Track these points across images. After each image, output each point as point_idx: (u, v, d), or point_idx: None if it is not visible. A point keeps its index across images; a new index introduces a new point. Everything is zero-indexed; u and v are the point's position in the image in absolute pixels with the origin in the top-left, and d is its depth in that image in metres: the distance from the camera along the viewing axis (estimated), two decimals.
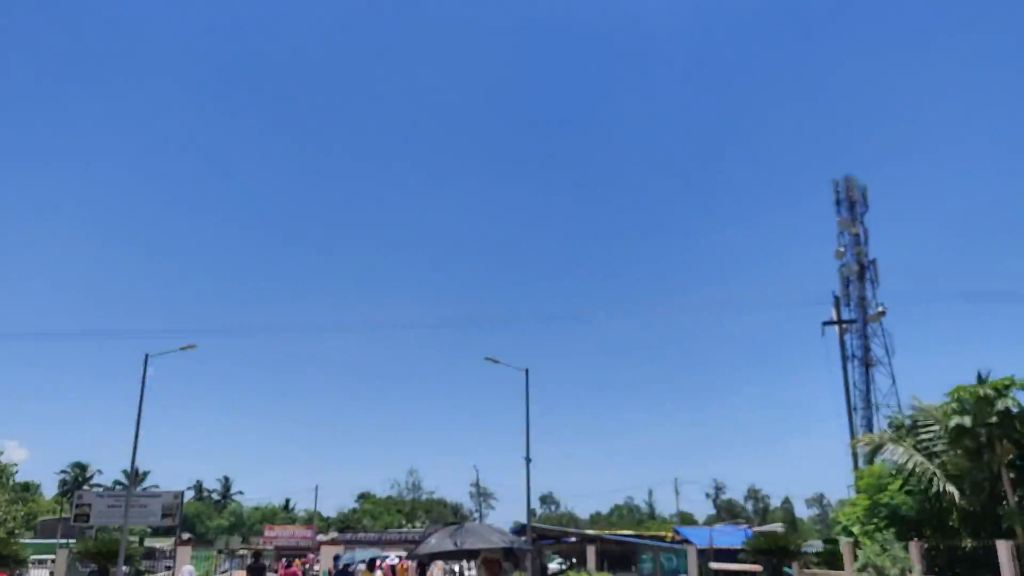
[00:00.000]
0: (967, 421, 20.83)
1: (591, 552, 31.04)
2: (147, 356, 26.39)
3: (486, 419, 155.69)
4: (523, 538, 7.08)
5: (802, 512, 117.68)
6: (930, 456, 23.93)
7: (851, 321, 49.06)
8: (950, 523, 23.94)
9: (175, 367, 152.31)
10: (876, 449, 25.27)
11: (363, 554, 18.59)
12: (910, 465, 23.56)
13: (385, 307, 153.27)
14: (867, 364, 60.11)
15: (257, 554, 25.92)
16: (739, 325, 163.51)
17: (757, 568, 29.87)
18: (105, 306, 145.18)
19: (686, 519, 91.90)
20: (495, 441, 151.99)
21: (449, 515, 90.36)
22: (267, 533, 62.11)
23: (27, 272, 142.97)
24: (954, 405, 21.46)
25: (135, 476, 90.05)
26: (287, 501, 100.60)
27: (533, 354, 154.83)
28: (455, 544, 7.04)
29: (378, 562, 18.94)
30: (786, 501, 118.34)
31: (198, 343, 30.75)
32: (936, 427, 24.23)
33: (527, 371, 29.49)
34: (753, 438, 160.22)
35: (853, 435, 43.82)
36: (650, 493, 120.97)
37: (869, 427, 60.64)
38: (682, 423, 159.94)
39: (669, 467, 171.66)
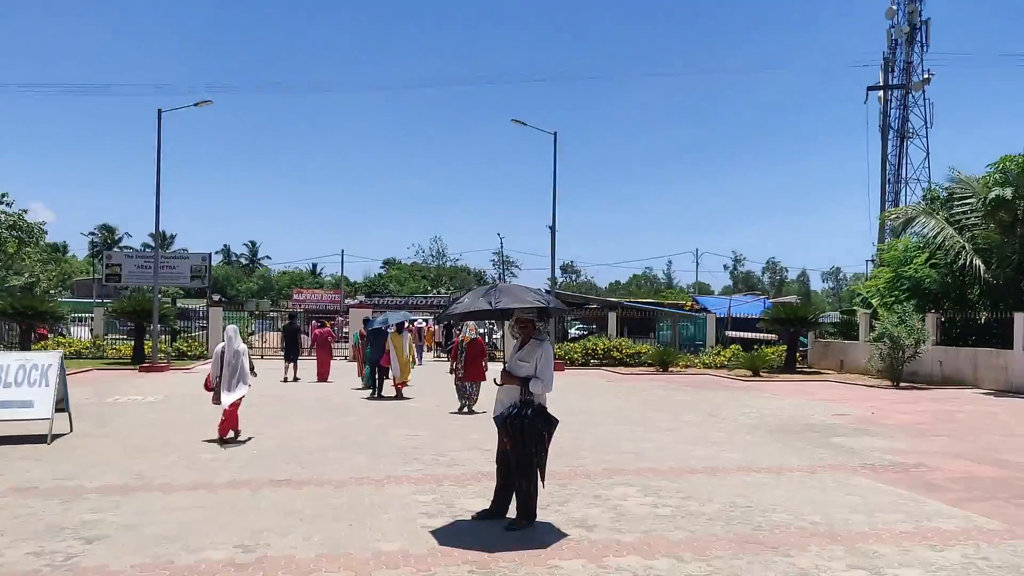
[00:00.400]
0: (1007, 193, 20.23)
1: (612, 318, 31.93)
2: (160, 112, 25.32)
3: (511, 186, 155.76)
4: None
5: (817, 285, 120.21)
6: (961, 230, 23.57)
7: (899, 86, 46.65)
8: (970, 296, 24.06)
9: (195, 127, 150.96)
10: (908, 221, 24.92)
11: (394, 316, 18.83)
12: (940, 238, 23.27)
13: (410, 66, 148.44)
14: (903, 136, 58.22)
15: (292, 316, 26.33)
16: (774, 89, 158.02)
17: (772, 337, 30.72)
18: (119, 58, 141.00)
19: (703, 290, 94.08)
20: (519, 209, 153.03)
21: (473, 282, 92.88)
22: (295, 297, 64.37)
23: (29, 23, 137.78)
24: (997, 176, 20.77)
25: (161, 237, 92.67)
26: (314, 266, 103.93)
27: (560, 120, 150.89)
28: (489, 304, 6.69)
29: (407, 324, 19.31)
30: (802, 274, 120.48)
31: (216, 100, 29.78)
32: (972, 200, 23.66)
33: (555, 134, 28.62)
34: (775, 210, 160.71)
35: (883, 209, 43.40)
36: (669, 264, 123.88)
37: (896, 202, 60.03)
38: (706, 193, 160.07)
39: (689, 238, 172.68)
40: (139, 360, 26.48)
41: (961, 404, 17.20)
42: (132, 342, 28.79)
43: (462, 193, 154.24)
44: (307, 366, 23.55)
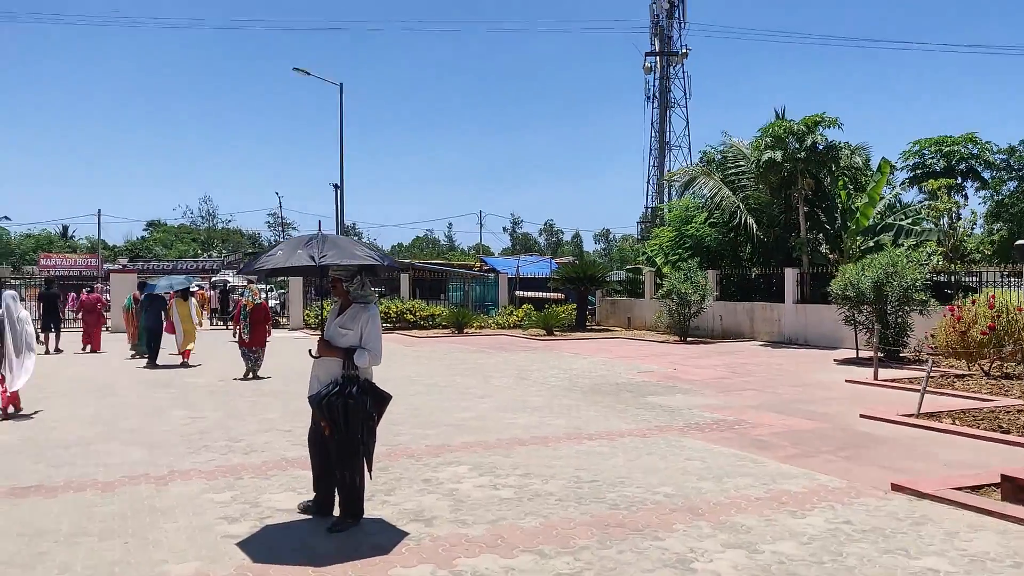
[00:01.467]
0: (778, 155, 21.43)
1: (405, 280, 30.87)
2: None
3: (288, 142, 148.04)
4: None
5: (590, 246, 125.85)
6: (735, 191, 24.90)
7: (672, 53, 49.16)
8: (741, 254, 25.59)
9: None
10: (689, 182, 25.96)
11: (177, 281, 17.33)
12: (717, 199, 24.43)
13: (173, 5, 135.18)
14: (665, 105, 62.15)
15: (49, 281, 22.93)
16: (556, 54, 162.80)
17: (560, 296, 31.18)
18: None
19: (484, 252, 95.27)
20: (295, 167, 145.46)
21: (247, 245, 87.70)
22: (43, 262, 57.10)
23: None
24: (768, 139, 21.91)
25: None
26: (65, 228, 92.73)
27: (340, 75, 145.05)
28: (312, 258, 5.41)
29: (194, 288, 17.86)
30: (576, 236, 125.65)
31: None
32: (743, 163, 25.01)
33: (341, 86, 26.85)
34: (553, 174, 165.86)
35: (662, 172, 45.67)
36: (449, 226, 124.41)
37: (661, 168, 64.10)
38: (487, 156, 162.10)
39: (470, 201, 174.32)
40: None
41: (747, 356, 18.05)
42: None
43: (235, 149, 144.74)
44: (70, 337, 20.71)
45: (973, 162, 27.92)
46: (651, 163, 65.00)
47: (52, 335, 20.09)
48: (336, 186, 30.18)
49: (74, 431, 9.31)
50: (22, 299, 31.95)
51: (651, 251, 27.92)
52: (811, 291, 21.90)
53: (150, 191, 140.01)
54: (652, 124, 64.30)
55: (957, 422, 8.77)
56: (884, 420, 9.23)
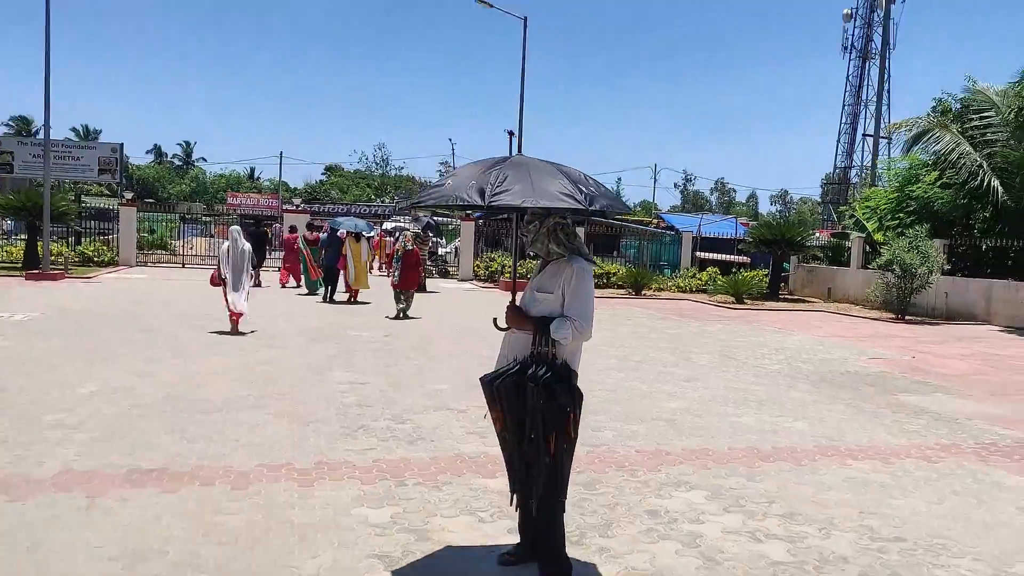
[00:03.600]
0: None
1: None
2: None
3: (462, 86, 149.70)
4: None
5: (764, 207, 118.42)
6: (976, 146, 20.96)
7: None
8: (971, 221, 21.57)
9: (126, 17, 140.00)
10: (919, 136, 22.09)
11: (358, 224, 18.14)
12: (955, 155, 20.62)
13: None
14: (864, 57, 56.04)
15: (259, 221, 24.99)
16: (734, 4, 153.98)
17: (745, 260, 28.26)
18: None
19: (653, 209, 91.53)
20: (468, 112, 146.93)
21: (419, 191, 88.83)
22: (230, 200, 59.89)
23: None
24: None
25: (83, 131, 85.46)
26: (252, 170, 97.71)
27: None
28: (482, 193, 3.63)
29: (366, 234, 17.95)
30: (752, 196, 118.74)
31: None
32: (992, 113, 21.02)
33: (525, 20, 24.94)
34: (729, 128, 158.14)
35: (855, 129, 40.99)
36: (618, 180, 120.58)
37: (854, 124, 58.17)
38: (659, 109, 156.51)
39: (640, 155, 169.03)
40: (31, 266, 22.47)
41: (995, 345, 14.86)
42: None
43: (409, 93, 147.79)
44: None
45: None
46: (844, 120, 59.06)
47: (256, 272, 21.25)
48: (511, 133, 28.58)
49: (222, 390, 8.08)
50: (209, 235, 33.24)
51: (862, 214, 24.36)
52: None
53: (329, 136, 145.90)
54: (848, 77, 58.15)
55: None
56: None
